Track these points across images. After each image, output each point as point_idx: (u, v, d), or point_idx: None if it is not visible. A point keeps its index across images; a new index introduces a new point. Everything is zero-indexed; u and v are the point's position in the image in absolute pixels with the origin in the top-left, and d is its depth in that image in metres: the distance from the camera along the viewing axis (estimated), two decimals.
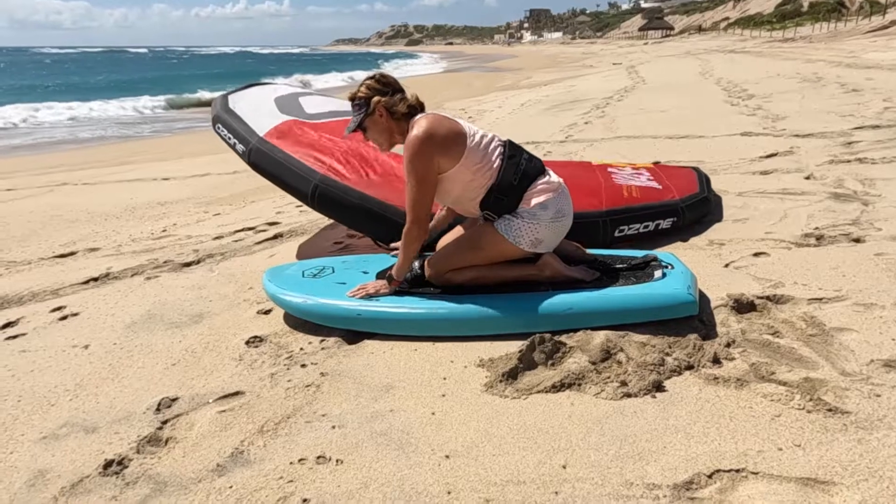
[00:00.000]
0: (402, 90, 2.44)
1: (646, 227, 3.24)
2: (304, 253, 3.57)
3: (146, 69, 55.47)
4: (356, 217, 3.04)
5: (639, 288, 2.35)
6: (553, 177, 2.50)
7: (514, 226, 2.40)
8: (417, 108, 2.43)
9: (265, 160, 3.15)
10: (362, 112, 2.42)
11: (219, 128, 3.43)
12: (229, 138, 3.33)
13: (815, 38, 31.78)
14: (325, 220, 4.22)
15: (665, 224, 3.28)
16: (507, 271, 2.48)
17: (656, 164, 4.49)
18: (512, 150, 2.43)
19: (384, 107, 2.39)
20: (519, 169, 2.40)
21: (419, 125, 2.33)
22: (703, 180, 3.77)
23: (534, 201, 2.39)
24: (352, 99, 2.46)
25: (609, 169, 3.88)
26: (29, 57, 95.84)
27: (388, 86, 2.42)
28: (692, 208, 3.40)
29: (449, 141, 2.33)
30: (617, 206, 3.22)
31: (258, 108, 3.63)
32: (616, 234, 3.18)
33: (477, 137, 2.40)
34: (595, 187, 3.40)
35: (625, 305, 2.28)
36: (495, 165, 2.38)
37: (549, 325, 2.26)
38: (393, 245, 2.97)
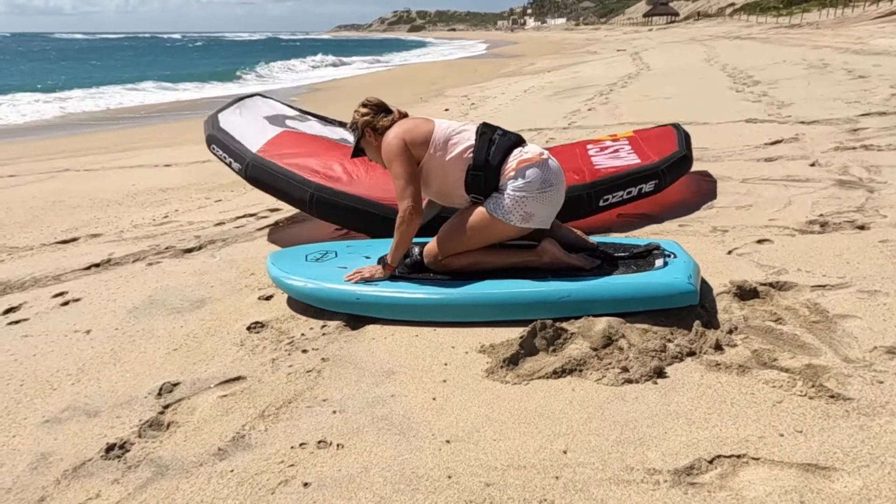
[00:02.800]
0: (388, 110, 2.60)
1: (629, 192, 3.34)
2: (305, 239, 3.55)
3: (235, 53, 55.36)
4: (352, 218, 3.18)
5: (638, 277, 2.32)
6: (532, 147, 2.51)
7: (502, 203, 2.40)
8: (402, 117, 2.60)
9: (262, 175, 3.30)
10: (357, 136, 2.61)
11: (214, 148, 3.59)
12: (225, 157, 3.49)
13: (821, 24, 31.45)
14: None
15: (648, 187, 3.38)
16: (505, 257, 2.48)
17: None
18: (484, 129, 2.50)
19: (370, 128, 2.56)
20: (492, 143, 2.44)
21: (389, 130, 2.51)
22: (682, 136, 3.84)
23: (514, 172, 2.40)
24: (349, 127, 2.67)
25: (588, 146, 3.97)
26: (44, 43, 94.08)
27: (374, 107, 2.59)
28: (672, 168, 3.50)
29: (414, 129, 2.46)
30: (598, 177, 3.34)
31: (249, 125, 3.81)
32: (601, 203, 3.28)
33: (445, 124, 2.53)
34: (575, 164, 3.51)
35: (624, 294, 2.26)
36: (467, 145, 2.44)
37: (545, 312, 2.24)
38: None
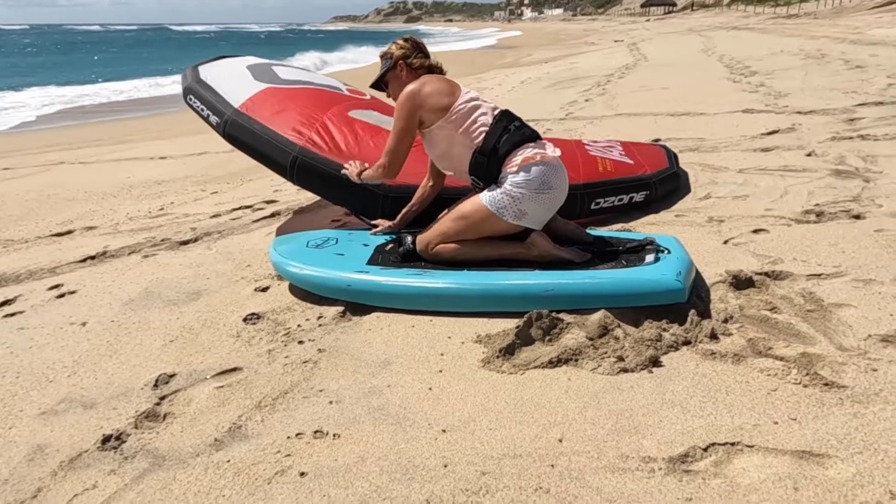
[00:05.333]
0: (427, 54, 2.63)
1: (620, 199, 3.35)
2: (298, 230, 3.54)
3: (287, 44, 56.35)
4: (336, 190, 2.98)
5: (626, 272, 2.27)
6: (547, 149, 2.47)
7: (497, 197, 2.40)
8: (436, 70, 2.61)
9: (241, 132, 3.08)
10: (387, 66, 2.60)
11: (190, 99, 3.33)
12: (202, 110, 3.25)
13: (819, 14, 31.37)
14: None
15: (638, 197, 3.40)
16: (495, 249, 2.48)
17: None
18: (501, 116, 2.47)
19: (404, 61, 2.58)
20: (506, 131, 2.42)
21: (416, 81, 2.49)
22: (672, 157, 3.87)
23: (516, 167, 2.39)
24: (382, 56, 2.66)
25: (582, 141, 3.97)
26: (66, 36, 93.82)
27: (414, 45, 2.62)
28: (663, 183, 3.54)
29: (434, 97, 2.44)
30: (593, 179, 3.31)
31: (231, 77, 3.52)
32: (592, 206, 3.26)
33: (469, 97, 2.49)
34: (573, 161, 3.42)
35: (608, 289, 2.20)
36: (482, 127, 2.43)
37: (528, 305, 2.19)
38: (374, 222, 3.00)
